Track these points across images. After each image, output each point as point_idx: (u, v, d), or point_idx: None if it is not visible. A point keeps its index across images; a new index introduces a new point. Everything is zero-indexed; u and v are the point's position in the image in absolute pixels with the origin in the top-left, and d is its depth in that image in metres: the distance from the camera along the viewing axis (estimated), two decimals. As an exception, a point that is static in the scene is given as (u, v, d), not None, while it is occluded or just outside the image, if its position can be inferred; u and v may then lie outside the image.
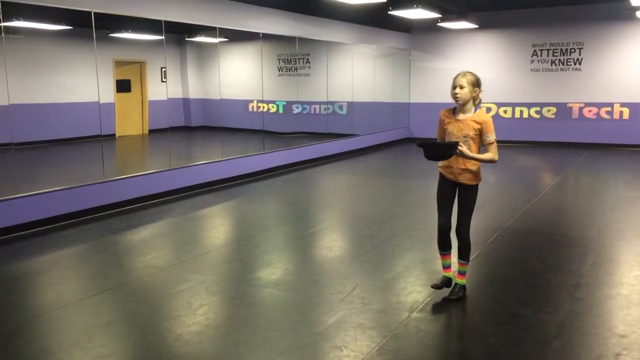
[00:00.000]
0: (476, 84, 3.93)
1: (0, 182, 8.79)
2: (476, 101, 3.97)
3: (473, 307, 4.11)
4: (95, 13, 6.96)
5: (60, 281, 4.76)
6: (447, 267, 4.21)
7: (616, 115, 12.74)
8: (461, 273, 4.16)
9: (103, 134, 9.01)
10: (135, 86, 15.20)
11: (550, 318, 3.79)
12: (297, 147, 10.99)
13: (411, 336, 3.59)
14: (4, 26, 9.36)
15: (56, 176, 9.24)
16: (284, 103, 15.66)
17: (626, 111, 12.63)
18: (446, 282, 4.18)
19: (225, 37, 13.75)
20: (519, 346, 3.42)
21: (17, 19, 9.19)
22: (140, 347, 3.56)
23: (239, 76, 15.52)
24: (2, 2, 6.27)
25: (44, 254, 5.59)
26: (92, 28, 7.15)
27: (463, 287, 4.15)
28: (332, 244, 5.89)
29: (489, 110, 13.53)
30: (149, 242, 6.03)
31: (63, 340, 3.61)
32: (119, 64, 14.59)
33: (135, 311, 4.07)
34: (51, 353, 3.44)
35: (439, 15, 11.39)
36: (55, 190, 6.58)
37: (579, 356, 3.31)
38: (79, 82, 12.88)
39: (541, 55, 13.29)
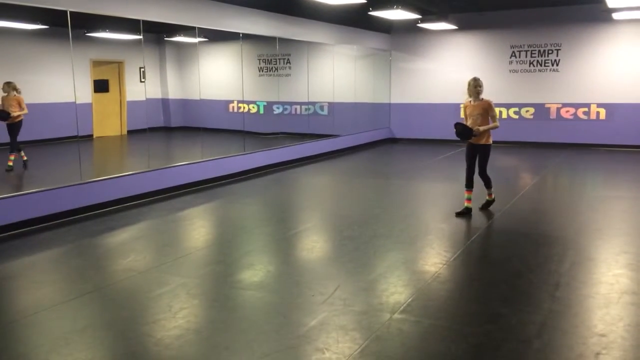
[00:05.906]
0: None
1: (-26, 184, 8.62)
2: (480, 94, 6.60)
3: (455, 307, 4.12)
4: (71, 12, 6.85)
5: (36, 285, 4.66)
6: (469, 199, 6.68)
7: (593, 116, 12.93)
8: (489, 194, 6.95)
9: (80, 134, 8.88)
10: (113, 86, 15.00)
11: (530, 318, 3.82)
12: (278, 148, 10.95)
13: (393, 337, 3.58)
14: (-22, 25, 9.15)
15: (32, 178, 9.08)
16: (265, 103, 15.61)
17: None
18: (466, 211, 6.66)
19: (205, 37, 13.65)
20: (500, 346, 3.43)
21: (-8, 17, 9.02)
22: (119, 352, 3.50)
23: (219, 76, 15.41)
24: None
25: (20, 257, 5.47)
26: (68, 27, 7.04)
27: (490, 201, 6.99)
28: (314, 245, 5.87)
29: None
30: (128, 245, 5.95)
31: (40, 346, 3.54)
32: (96, 63, 14.39)
33: (115, 315, 4.00)
34: (27, 359, 3.37)
35: (419, 16, 11.45)
36: (32, 193, 6.46)
37: (560, 356, 3.34)
38: (55, 82, 12.66)
39: (519, 57, 13.43)
